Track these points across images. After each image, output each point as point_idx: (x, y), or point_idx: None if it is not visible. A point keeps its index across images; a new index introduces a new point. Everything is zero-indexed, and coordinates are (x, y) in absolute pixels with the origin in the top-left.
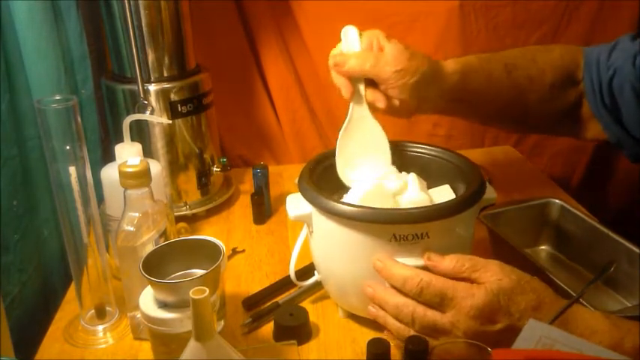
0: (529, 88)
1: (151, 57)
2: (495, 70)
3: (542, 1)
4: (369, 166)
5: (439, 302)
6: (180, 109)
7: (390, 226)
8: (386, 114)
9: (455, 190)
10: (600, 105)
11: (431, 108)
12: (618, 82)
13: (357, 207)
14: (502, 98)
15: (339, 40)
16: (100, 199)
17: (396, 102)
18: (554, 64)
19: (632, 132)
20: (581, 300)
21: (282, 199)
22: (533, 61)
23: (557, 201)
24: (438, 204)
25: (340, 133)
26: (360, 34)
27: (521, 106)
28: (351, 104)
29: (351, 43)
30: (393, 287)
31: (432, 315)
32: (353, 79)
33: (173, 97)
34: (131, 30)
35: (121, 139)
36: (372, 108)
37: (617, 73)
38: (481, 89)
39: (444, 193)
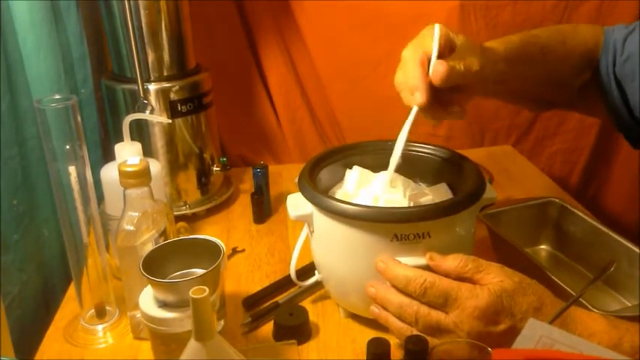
0: (558, 69)
1: (150, 57)
2: (534, 53)
3: (542, 0)
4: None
5: (443, 303)
6: (180, 109)
7: (391, 225)
8: None
9: (454, 190)
10: (614, 87)
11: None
12: (630, 68)
13: (358, 206)
14: (535, 80)
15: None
16: (100, 198)
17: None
18: (580, 48)
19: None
20: (581, 300)
21: (282, 199)
22: (563, 43)
23: (557, 201)
24: (439, 202)
25: (403, 134)
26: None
27: (547, 85)
28: (415, 107)
29: (435, 46)
30: (396, 288)
31: (436, 315)
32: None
33: (173, 96)
34: (131, 30)
35: (120, 139)
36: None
37: (630, 60)
38: (522, 73)
39: (440, 192)
